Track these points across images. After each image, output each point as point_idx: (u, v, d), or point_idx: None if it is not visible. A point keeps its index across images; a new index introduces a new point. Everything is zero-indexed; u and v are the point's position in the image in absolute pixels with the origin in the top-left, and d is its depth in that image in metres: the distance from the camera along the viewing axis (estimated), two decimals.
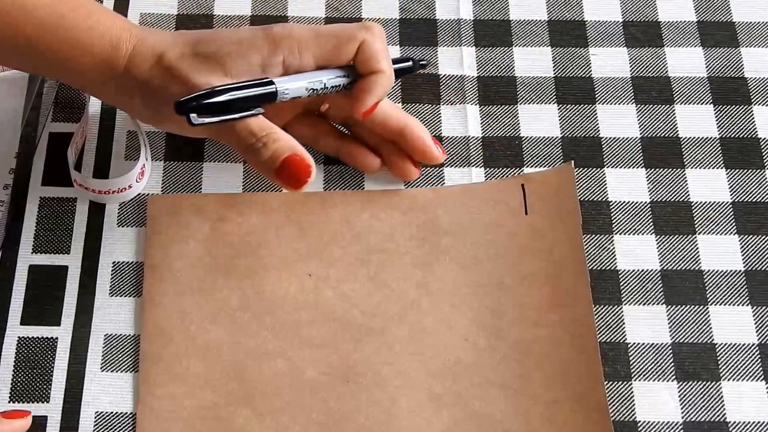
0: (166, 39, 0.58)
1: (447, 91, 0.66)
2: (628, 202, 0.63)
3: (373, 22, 0.59)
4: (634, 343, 0.58)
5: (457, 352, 0.58)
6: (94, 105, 0.65)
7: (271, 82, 0.56)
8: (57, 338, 0.58)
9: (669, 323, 0.59)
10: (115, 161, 0.63)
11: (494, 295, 0.59)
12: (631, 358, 0.58)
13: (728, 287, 0.60)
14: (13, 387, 0.57)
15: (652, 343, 0.58)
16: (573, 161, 0.64)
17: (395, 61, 0.62)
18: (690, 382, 0.57)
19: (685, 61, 0.67)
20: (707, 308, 0.59)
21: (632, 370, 0.58)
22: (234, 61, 0.56)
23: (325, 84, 0.58)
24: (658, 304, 0.60)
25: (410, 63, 0.64)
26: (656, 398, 0.57)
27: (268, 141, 0.55)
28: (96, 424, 0.56)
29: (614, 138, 0.65)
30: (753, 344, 0.58)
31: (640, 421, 0.56)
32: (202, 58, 0.56)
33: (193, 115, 0.54)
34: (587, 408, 0.56)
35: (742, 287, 0.60)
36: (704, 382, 0.57)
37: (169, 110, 0.54)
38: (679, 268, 0.61)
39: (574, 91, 0.66)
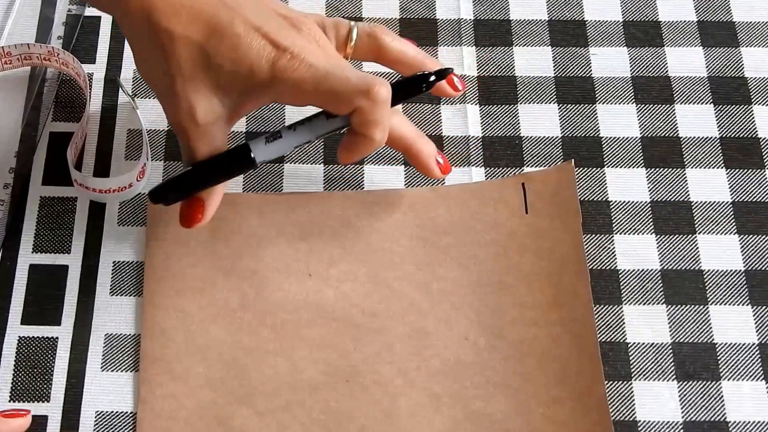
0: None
1: None
2: (628, 201, 0.63)
3: (382, 84, 0.54)
4: (634, 343, 0.58)
5: (457, 351, 0.58)
6: (95, 104, 0.65)
7: (250, 156, 0.55)
8: (57, 338, 0.58)
9: (669, 323, 0.59)
10: (116, 160, 0.63)
11: (494, 295, 0.59)
12: (631, 358, 0.58)
13: (728, 287, 0.60)
14: (14, 386, 0.57)
15: (652, 343, 0.58)
16: (573, 160, 0.64)
17: (412, 81, 0.58)
18: (690, 382, 0.57)
19: (685, 61, 0.68)
20: (707, 308, 0.59)
21: (632, 370, 0.58)
22: (233, 97, 0.54)
23: (312, 140, 0.57)
24: (658, 303, 0.60)
25: (425, 83, 0.58)
26: (656, 398, 0.57)
27: None
28: (96, 424, 0.56)
29: (614, 138, 0.65)
30: (753, 344, 0.58)
31: (640, 421, 0.56)
32: (205, 64, 0.53)
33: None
34: (587, 407, 0.56)
35: (742, 287, 0.60)
36: (704, 382, 0.57)
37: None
38: (679, 267, 0.61)
39: (574, 90, 0.66)
